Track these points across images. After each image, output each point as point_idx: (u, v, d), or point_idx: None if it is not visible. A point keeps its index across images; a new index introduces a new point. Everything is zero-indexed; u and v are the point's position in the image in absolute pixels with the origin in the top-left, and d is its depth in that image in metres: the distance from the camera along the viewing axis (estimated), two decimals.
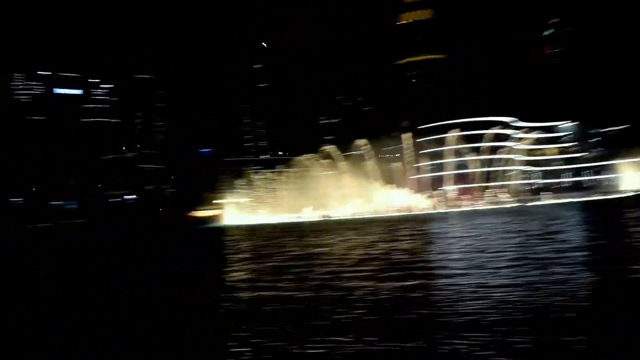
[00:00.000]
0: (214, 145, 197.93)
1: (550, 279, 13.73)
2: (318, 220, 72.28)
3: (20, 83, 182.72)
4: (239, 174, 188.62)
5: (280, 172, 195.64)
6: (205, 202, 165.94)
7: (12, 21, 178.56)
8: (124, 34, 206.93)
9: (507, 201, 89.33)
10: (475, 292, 13.44)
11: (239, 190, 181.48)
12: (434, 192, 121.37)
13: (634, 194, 78.57)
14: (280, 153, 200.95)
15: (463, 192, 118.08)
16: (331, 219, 78.11)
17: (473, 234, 30.66)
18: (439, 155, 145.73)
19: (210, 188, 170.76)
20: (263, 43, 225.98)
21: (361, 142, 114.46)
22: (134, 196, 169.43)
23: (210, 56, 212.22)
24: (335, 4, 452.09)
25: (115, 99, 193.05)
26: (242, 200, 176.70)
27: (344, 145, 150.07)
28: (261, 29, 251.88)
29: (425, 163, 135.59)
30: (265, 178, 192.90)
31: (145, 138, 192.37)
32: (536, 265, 16.08)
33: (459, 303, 12.49)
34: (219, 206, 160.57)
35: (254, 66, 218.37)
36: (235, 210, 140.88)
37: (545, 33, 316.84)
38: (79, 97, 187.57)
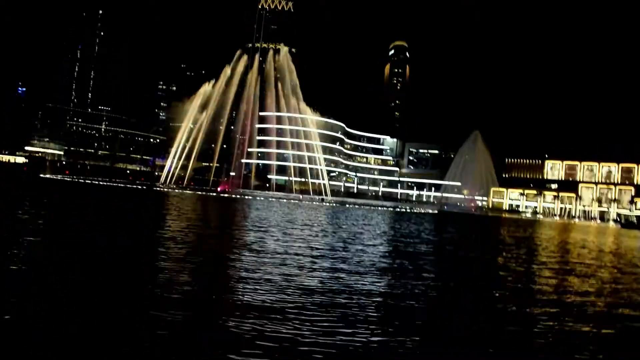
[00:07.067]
0: (31, 85, 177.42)
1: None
2: (139, 187, 69.12)
3: None
4: (58, 123, 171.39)
5: (106, 129, 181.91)
6: (11, 147, 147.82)
7: None
8: None
9: (326, 199, 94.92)
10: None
11: (55, 142, 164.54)
12: (260, 179, 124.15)
13: (432, 211, 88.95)
14: (106, 108, 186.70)
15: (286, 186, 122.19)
16: (156, 189, 75.33)
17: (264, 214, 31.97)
18: (274, 144, 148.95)
19: (19, 132, 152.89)
20: None
21: (199, 115, 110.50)
22: None
23: None
24: None
25: None
26: (56, 152, 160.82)
27: (181, 115, 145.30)
28: None
29: (258, 149, 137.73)
30: (89, 133, 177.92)
31: None
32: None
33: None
34: (26, 154, 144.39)
35: (100, 12, 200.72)
36: (47, 162, 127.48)
37: (390, 53, 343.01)
38: None
